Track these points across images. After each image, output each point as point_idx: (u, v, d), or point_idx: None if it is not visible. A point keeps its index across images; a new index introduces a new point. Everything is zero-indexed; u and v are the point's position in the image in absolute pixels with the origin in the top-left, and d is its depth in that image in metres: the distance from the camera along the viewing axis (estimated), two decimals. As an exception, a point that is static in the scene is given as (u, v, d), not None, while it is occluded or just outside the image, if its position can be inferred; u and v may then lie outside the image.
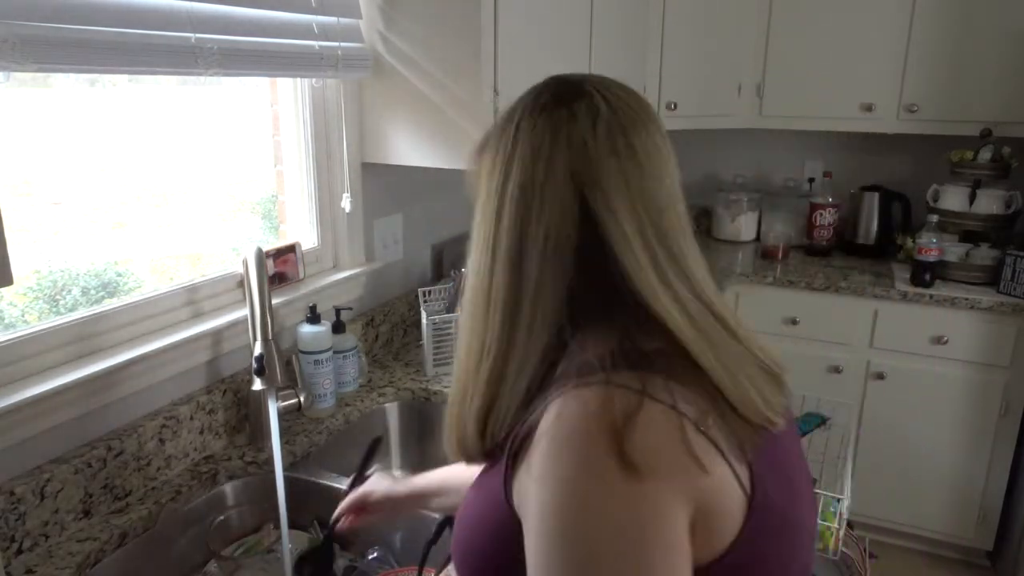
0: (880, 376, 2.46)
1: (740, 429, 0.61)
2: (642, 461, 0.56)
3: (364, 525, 1.13)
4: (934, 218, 2.43)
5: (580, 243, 0.66)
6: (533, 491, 0.60)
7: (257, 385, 1.23)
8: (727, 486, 0.60)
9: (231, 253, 1.58)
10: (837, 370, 2.50)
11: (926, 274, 2.39)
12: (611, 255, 0.65)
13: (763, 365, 0.69)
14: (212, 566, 1.24)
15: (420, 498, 1.09)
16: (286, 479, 1.19)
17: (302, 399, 1.40)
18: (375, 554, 1.27)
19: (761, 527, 0.61)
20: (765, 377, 0.68)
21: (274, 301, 1.37)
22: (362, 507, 1.11)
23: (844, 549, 1.15)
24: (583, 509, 0.57)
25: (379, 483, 1.12)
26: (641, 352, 0.63)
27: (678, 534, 0.57)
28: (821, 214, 2.78)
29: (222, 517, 1.26)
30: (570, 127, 0.67)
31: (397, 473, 1.68)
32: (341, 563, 1.28)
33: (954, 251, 2.45)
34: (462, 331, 0.72)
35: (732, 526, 0.60)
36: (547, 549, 0.58)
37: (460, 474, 1.03)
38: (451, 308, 1.69)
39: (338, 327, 1.55)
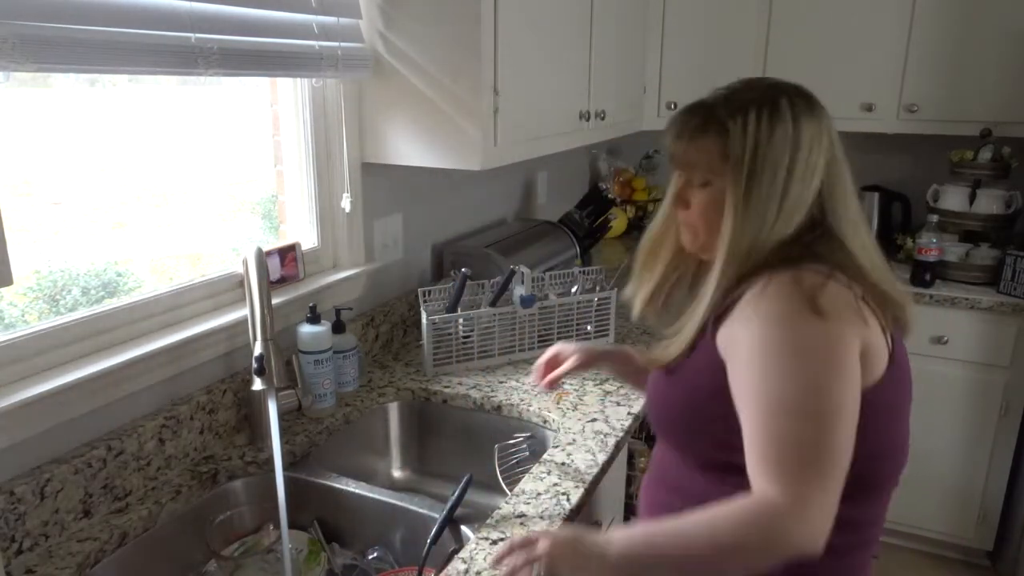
0: (880, 376, 2.46)
1: (886, 309, 0.93)
2: (828, 309, 0.86)
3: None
4: (934, 218, 2.43)
5: (816, 199, 0.97)
6: (745, 330, 0.90)
7: (257, 385, 1.23)
8: (878, 338, 0.90)
9: (231, 253, 1.58)
10: (837, 370, 2.49)
11: (926, 274, 2.39)
12: (829, 209, 0.97)
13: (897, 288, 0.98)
14: (212, 566, 1.24)
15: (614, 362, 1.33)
16: (286, 479, 1.19)
17: (302, 399, 1.40)
18: (375, 554, 1.28)
19: (895, 376, 0.93)
20: (898, 293, 0.98)
21: (274, 301, 1.37)
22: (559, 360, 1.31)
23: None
24: (790, 339, 0.86)
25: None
26: (824, 257, 0.93)
27: (853, 358, 0.87)
28: (821, 214, 2.77)
29: (222, 517, 1.26)
30: (823, 128, 1.00)
31: (397, 474, 1.68)
32: (340, 562, 1.29)
33: (954, 251, 2.45)
34: (744, 219, 0.96)
35: (880, 367, 0.91)
36: (761, 365, 0.87)
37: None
38: (451, 308, 1.69)
39: (338, 327, 1.55)
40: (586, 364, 1.30)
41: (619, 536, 0.90)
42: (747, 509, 0.84)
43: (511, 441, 1.50)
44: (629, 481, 1.66)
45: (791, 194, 0.95)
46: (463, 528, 1.20)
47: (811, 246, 0.95)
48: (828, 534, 0.83)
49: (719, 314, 0.94)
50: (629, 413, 1.51)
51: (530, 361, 1.79)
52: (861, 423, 0.88)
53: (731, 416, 0.90)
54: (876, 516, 1.02)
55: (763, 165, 0.95)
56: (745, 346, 0.89)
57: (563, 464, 1.32)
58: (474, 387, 1.64)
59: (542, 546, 0.92)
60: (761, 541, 0.83)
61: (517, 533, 1.05)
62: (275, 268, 1.51)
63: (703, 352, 0.96)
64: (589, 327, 1.86)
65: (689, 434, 1.01)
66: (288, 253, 1.55)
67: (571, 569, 0.92)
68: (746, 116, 0.97)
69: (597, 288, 1.87)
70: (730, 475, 0.92)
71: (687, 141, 1.02)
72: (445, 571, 1.04)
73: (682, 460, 1.03)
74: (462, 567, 1.04)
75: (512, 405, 1.56)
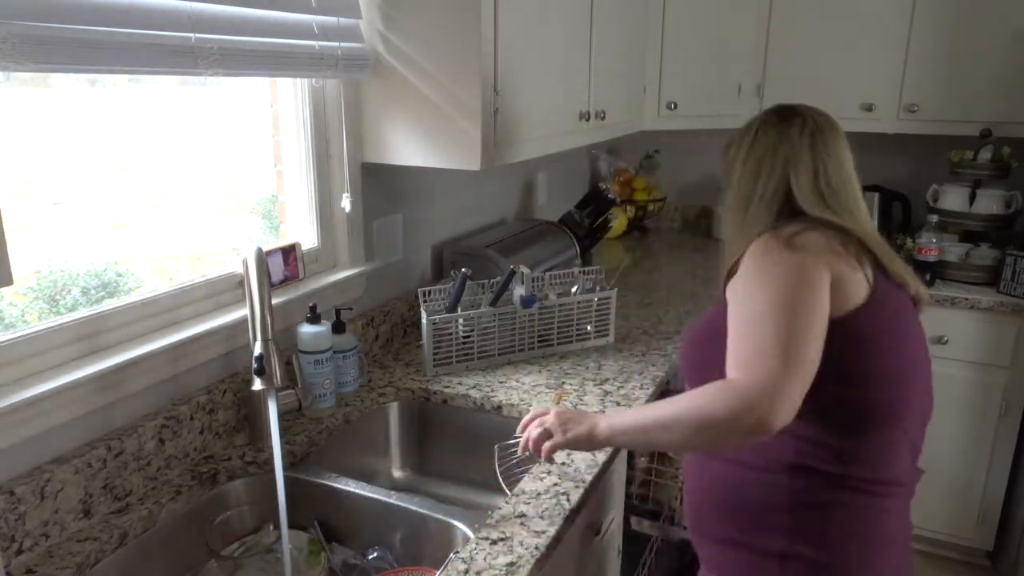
0: (880, 376, 2.46)
1: (868, 262, 1.10)
2: (800, 245, 1.05)
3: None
4: (934, 218, 2.43)
5: (785, 189, 1.18)
6: (738, 273, 1.09)
7: (257, 385, 1.23)
8: (853, 272, 1.06)
9: (231, 253, 1.58)
10: (837, 370, 2.49)
11: (926, 274, 2.39)
12: (801, 198, 1.16)
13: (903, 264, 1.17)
14: (212, 566, 1.24)
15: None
16: (286, 479, 1.19)
17: (302, 399, 1.40)
18: (375, 554, 1.28)
19: (874, 308, 1.06)
20: (904, 266, 1.16)
21: (274, 301, 1.37)
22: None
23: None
24: (766, 266, 1.05)
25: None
26: (805, 217, 1.14)
27: (821, 280, 1.03)
28: (821, 214, 2.77)
29: (222, 517, 1.26)
30: (786, 132, 1.19)
31: (397, 474, 1.68)
32: (339, 558, 1.29)
33: (954, 251, 2.46)
34: (730, 216, 1.25)
35: (855, 298, 1.06)
36: (742, 290, 1.06)
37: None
38: (451, 308, 1.69)
39: (338, 327, 1.55)
40: None
41: (613, 412, 1.22)
42: (717, 385, 1.00)
43: (511, 441, 1.50)
44: (629, 481, 1.66)
45: (754, 185, 1.20)
46: (463, 528, 1.20)
47: (805, 218, 1.15)
48: (789, 419, 0.95)
49: (730, 270, 1.14)
50: (629, 413, 1.50)
51: (530, 361, 1.79)
52: (837, 348, 1.02)
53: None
54: (881, 455, 1.09)
55: (732, 166, 1.25)
56: (736, 284, 1.09)
57: (563, 464, 1.32)
58: (474, 387, 1.64)
59: (551, 415, 1.19)
60: (724, 409, 0.96)
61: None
62: (278, 268, 1.51)
63: (720, 301, 1.15)
64: (589, 327, 1.86)
65: (697, 362, 1.20)
66: (289, 253, 1.55)
67: (570, 422, 1.16)
68: (742, 136, 1.26)
69: (597, 288, 1.86)
70: None
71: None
72: (445, 571, 1.04)
73: None
74: (462, 567, 1.04)
75: (512, 405, 1.56)
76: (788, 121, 1.20)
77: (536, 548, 1.08)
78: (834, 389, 1.05)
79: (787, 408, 0.95)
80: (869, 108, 2.53)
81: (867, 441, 1.08)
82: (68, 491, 1.11)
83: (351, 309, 1.66)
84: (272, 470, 1.20)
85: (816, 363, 0.99)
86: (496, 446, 1.47)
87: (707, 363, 1.11)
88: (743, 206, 1.21)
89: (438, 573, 1.05)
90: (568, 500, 1.21)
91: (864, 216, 1.18)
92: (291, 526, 1.21)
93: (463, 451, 1.63)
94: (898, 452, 1.11)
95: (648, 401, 1.59)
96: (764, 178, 1.19)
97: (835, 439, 1.08)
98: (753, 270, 1.06)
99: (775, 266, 1.04)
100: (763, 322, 1.00)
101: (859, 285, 1.06)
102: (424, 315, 1.67)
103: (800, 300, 1.00)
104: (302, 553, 1.27)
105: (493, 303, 1.73)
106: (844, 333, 1.04)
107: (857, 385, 1.07)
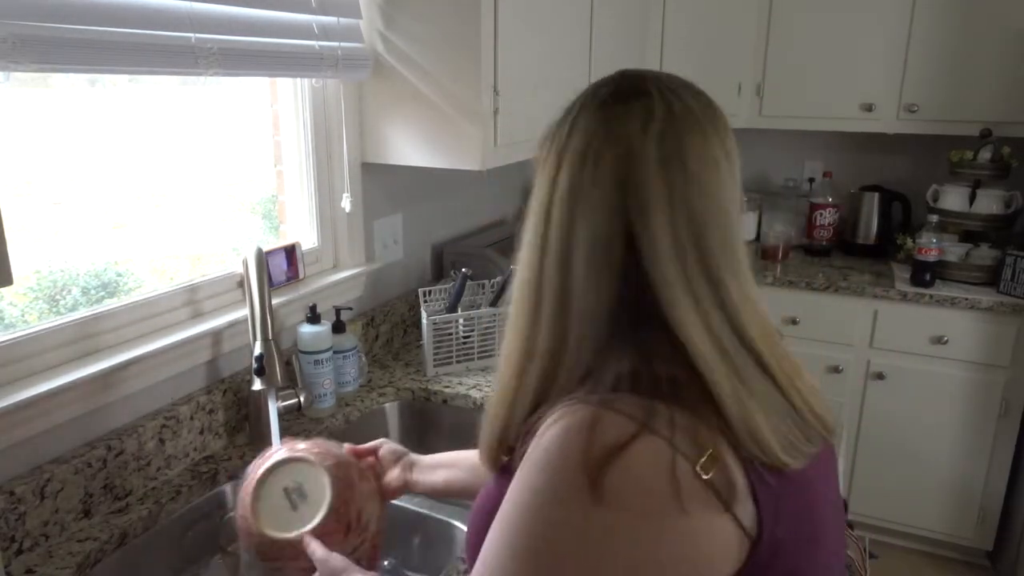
0: (880, 376, 2.46)
1: (745, 465, 0.58)
2: (614, 493, 0.55)
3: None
4: (934, 218, 2.43)
5: (621, 252, 0.63)
6: (512, 486, 0.61)
7: (257, 385, 1.23)
8: (714, 528, 0.57)
9: (231, 253, 1.58)
10: (837, 370, 2.50)
11: (926, 274, 2.39)
12: (643, 269, 0.62)
13: (799, 415, 0.64)
14: (216, 562, 1.24)
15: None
16: (286, 479, 1.19)
17: (302, 399, 1.40)
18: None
19: (766, 566, 0.59)
20: (795, 424, 0.63)
21: (274, 301, 1.37)
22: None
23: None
24: (544, 522, 0.57)
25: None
26: (654, 377, 0.61)
27: (624, 561, 0.56)
28: (821, 214, 2.78)
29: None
30: (621, 126, 0.64)
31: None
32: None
33: (954, 251, 2.46)
34: (509, 330, 0.70)
35: (724, 567, 0.58)
36: (505, 540, 0.59)
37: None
38: (451, 308, 1.69)
39: (338, 327, 1.55)
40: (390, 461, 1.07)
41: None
42: None
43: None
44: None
45: (554, 227, 0.65)
46: (463, 528, 1.20)
47: (650, 348, 0.63)
48: None
49: (525, 431, 0.65)
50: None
51: (530, 361, 1.79)
52: None
53: None
54: None
55: (538, 179, 0.70)
56: (503, 509, 0.61)
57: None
58: (474, 387, 1.64)
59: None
60: None
61: None
62: (278, 268, 1.51)
63: (506, 473, 0.68)
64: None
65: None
66: (290, 253, 1.55)
67: None
68: (560, 124, 0.73)
69: (597, 288, 1.86)
70: None
71: None
72: (445, 571, 1.04)
73: None
74: (462, 567, 1.04)
75: (512, 405, 1.56)
76: (624, 102, 0.66)
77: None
78: None
79: None
80: (869, 108, 2.52)
81: None
82: (68, 491, 1.11)
83: (351, 309, 1.66)
84: (272, 470, 1.20)
85: None
86: None
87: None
88: (535, 282, 0.67)
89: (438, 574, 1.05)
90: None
91: (746, 302, 0.63)
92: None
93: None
94: None
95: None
96: (580, 221, 0.64)
97: None
98: (526, 512, 0.59)
99: (561, 533, 0.57)
100: None
101: (722, 540, 0.58)
102: (424, 315, 1.67)
103: None
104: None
105: (493, 303, 1.73)
106: None
107: None
